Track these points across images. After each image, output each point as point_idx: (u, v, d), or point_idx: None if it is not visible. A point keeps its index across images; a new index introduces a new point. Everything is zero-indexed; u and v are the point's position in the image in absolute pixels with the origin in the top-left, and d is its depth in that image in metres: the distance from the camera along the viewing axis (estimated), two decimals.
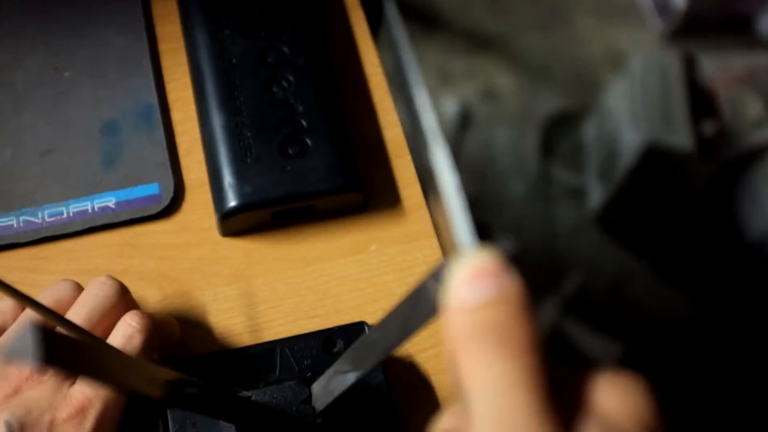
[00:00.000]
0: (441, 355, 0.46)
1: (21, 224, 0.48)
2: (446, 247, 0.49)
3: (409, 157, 0.52)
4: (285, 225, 0.49)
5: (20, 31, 0.54)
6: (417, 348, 0.46)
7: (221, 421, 0.40)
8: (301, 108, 0.49)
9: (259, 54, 0.50)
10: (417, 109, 0.28)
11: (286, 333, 0.46)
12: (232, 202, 0.46)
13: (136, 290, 0.45)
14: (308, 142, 0.48)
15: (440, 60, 1.66)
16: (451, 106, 1.60)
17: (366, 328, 0.46)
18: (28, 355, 0.24)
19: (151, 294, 0.47)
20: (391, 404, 0.43)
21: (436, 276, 0.29)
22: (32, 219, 0.48)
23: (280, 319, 0.47)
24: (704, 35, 1.65)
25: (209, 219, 0.49)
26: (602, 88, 1.62)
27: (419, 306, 0.30)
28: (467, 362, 0.24)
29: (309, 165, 0.47)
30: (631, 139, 1.34)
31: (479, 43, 1.70)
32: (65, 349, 0.26)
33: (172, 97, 0.53)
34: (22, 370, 0.38)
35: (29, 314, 0.41)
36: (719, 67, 1.44)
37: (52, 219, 0.48)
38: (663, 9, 1.67)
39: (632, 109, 1.37)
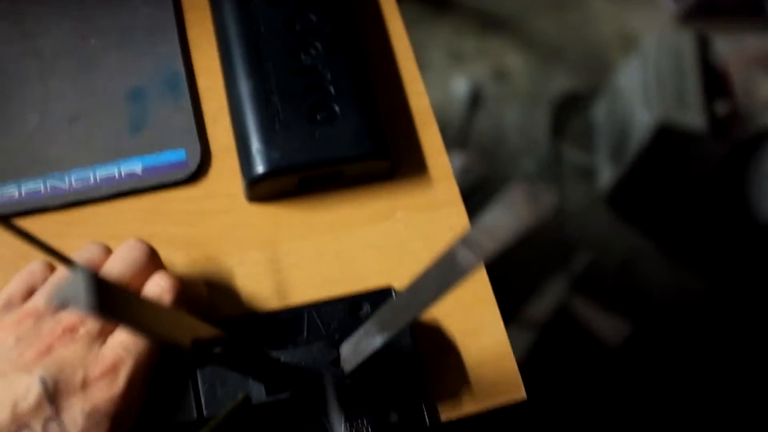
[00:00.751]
0: (468, 320, 0.47)
1: (48, 189, 0.48)
2: (472, 213, 0.49)
3: (435, 127, 0.52)
4: (312, 191, 0.49)
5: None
6: (444, 312, 0.47)
7: (250, 381, 0.41)
8: (329, 75, 0.49)
9: (286, 22, 0.50)
10: None
11: (312, 298, 0.46)
12: (260, 168, 0.47)
13: (164, 255, 0.45)
14: (336, 108, 0.48)
15: (451, 40, 1.66)
16: (462, 85, 1.60)
17: (393, 293, 0.46)
18: (80, 301, 0.24)
19: (178, 259, 0.47)
20: (420, 366, 0.43)
21: (464, 242, 0.30)
22: (59, 184, 0.48)
23: (306, 285, 0.47)
24: (717, 17, 1.65)
25: (236, 185, 0.49)
26: (613, 69, 1.62)
27: (448, 271, 0.31)
28: None
29: (337, 131, 0.47)
30: (643, 119, 1.34)
31: (490, 23, 1.70)
32: (113, 297, 0.26)
33: (198, 64, 0.53)
34: (55, 329, 0.38)
35: (62, 274, 0.41)
36: (732, 48, 1.44)
37: (79, 184, 0.48)
38: None
39: (644, 89, 1.36)
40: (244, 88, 0.49)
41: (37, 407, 0.35)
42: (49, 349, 0.38)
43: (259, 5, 0.51)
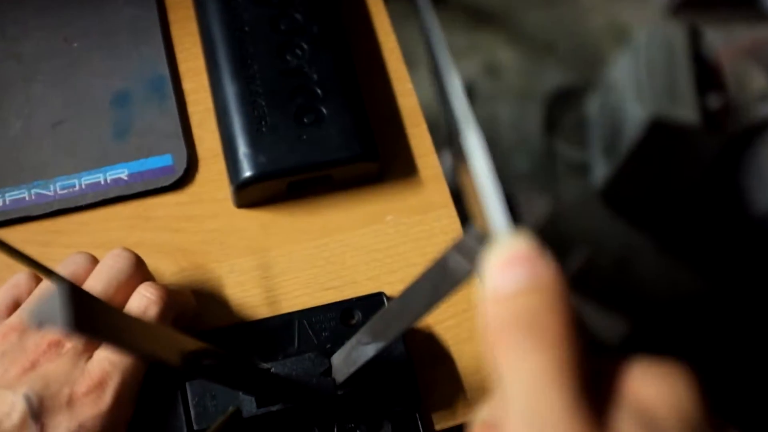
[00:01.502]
0: (461, 326, 0.46)
1: (33, 197, 0.47)
2: (464, 215, 0.48)
3: (425, 126, 0.51)
4: (301, 195, 0.49)
5: (28, 1, 0.52)
6: (437, 319, 0.46)
7: (241, 393, 0.40)
8: (315, 76, 0.48)
9: (271, 21, 0.49)
10: (447, 91, 0.27)
11: (303, 305, 0.46)
12: (247, 173, 0.46)
13: (151, 263, 0.44)
14: (323, 110, 0.47)
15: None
16: None
17: (384, 298, 0.45)
18: (56, 320, 0.23)
19: (166, 266, 0.46)
20: (413, 375, 0.43)
21: (458, 248, 0.29)
22: (44, 192, 0.47)
23: (297, 291, 0.46)
24: (708, 8, 1.64)
25: (224, 190, 0.48)
26: (606, 63, 1.61)
27: (442, 278, 0.30)
28: (501, 353, 0.23)
29: (325, 134, 0.47)
30: (635, 114, 1.33)
31: (481, 18, 1.69)
32: (93, 314, 0.25)
33: (183, 66, 0.52)
34: (40, 344, 0.38)
35: (47, 287, 0.40)
36: (724, 40, 1.43)
37: (64, 191, 0.47)
38: None
39: (637, 83, 1.36)
40: (230, 90, 0.48)
41: (22, 425, 0.35)
42: (33, 365, 0.37)
43: (244, 4, 0.50)
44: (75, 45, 0.51)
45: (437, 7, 1.67)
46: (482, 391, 0.44)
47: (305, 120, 0.47)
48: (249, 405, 0.39)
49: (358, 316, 0.45)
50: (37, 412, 0.35)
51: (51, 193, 0.47)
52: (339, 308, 0.45)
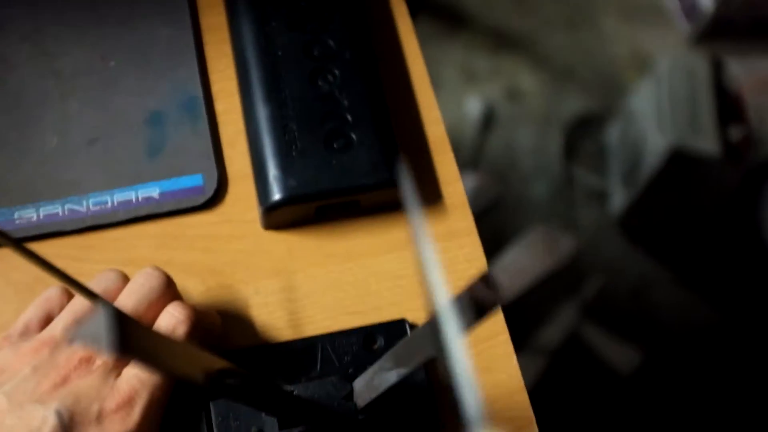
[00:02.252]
0: (481, 356, 0.46)
1: (66, 212, 0.48)
2: (487, 244, 0.49)
3: (451, 155, 0.52)
4: (328, 219, 0.49)
5: (67, 19, 0.54)
6: None
7: (263, 415, 0.40)
8: (346, 102, 0.49)
9: (304, 47, 0.50)
10: (428, 282, 0.28)
11: (326, 328, 0.46)
12: (276, 196, 0.46)
13: (179, 281, 0.45)
14: (353, 136, 0.48)
15: (464, 59, 1.66)
16: (475, 105, 1.60)
17: (406, 325, 0.46)
18: (101, 342, 0.24)
19: (193, 285, 0.47)
20: (433, 402, 0.43)
21: (483, 281, 0.29)
22: (77, 207, 0.48)
23: (320, 314, 0.47)
24: (732, 38, 1.64)
25: (252, 211, 0.49)
26: (627, 91, 1.61)
27: (466, 310, 0.30)
28: None
29: (354, 159, 0.47)
30: (656, 143, 1.33)
31: (504, 42, 1.70)
32: (132, 336, 0.26)
33: (216, 87, 0.53)
34: (71, 359, 0.38)
35: (79, 302, 0.41)
36: (747, 72, 1.44)
37: (97, 208, 0.48)
38: (690, 11, 1.67)
39: (658, 112, 1.36)
40: (262, 113, 0.49)
41: None
42: (65, 381, 0.38)
43: (278, 29, 0.51)
44: (112, 63, 0.53)
45: (460, 30, 1.68)
46: (501, 419, 0.44)
47: (335, 145, 0.48)
48: (271, 426, 0.40)
49: (380, 341, 0.45)
50: (68, 427, 0.35)
51: (84, 209, 0.48)
52: (362, 333, 0.45)
